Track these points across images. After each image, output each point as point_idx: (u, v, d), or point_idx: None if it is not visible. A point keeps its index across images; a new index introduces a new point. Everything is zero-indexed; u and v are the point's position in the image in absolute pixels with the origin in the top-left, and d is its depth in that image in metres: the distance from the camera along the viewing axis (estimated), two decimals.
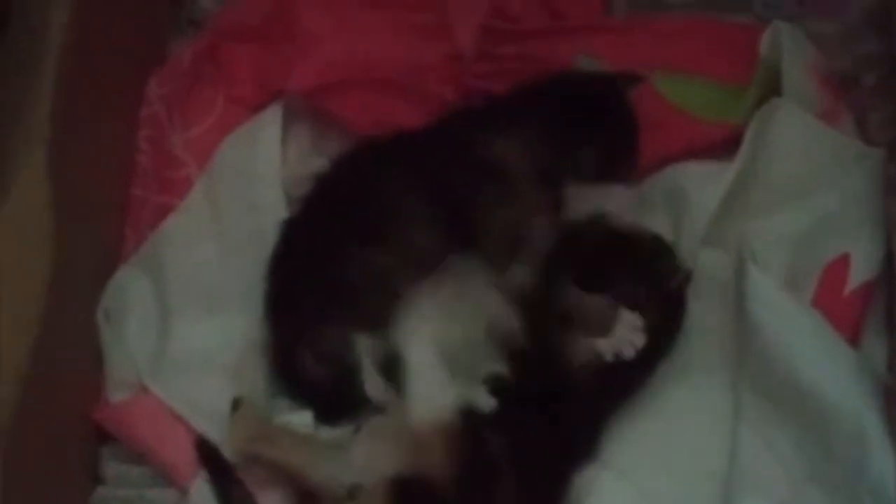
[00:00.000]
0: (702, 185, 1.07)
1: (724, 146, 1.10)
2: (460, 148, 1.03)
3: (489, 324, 0.98)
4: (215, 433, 1.02)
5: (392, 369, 0.97)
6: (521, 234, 1.01)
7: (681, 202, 1.08)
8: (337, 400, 1.01)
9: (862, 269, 1.03)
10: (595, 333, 0.98)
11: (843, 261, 1.04)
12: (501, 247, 1.00)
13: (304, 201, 1.06)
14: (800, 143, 1.09)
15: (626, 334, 0.98)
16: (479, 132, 1.04)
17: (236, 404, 1.01)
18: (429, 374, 0.95)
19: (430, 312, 0.96)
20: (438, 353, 0.95)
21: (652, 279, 1.01)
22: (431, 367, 0.95)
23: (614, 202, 1.02)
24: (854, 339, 1.01)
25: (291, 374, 1.03)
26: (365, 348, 0.98)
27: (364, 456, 0.95)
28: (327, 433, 1.01)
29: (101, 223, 1.12)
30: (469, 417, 0.94)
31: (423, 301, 0.96)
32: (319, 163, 1.09)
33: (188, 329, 1.07)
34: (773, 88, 1.12)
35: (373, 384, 0.97)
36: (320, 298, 1.01)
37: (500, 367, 0.98)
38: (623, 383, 1.00)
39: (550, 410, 0.96)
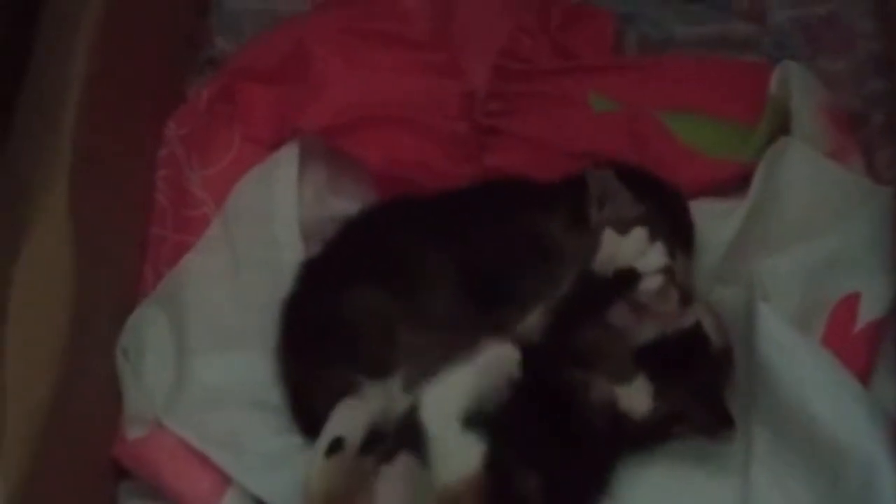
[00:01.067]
0: (713, 223, 1.08)
1: (735, 184, 1.10)
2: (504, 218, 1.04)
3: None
4: (232, 468, 1.02)
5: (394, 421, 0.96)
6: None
7: None
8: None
9: (871, 308, 1.03)
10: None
11: (853, 299, 1.04)
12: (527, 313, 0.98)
13: (325, 244, 1.07)
14: (809, 182, 1.10)
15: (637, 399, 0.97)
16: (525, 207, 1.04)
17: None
18: (452, 441, 0.91)
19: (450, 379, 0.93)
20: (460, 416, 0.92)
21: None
22: (455, 435, 0.91)
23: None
24: (864, 378, 1.01)
25: (303, 414, 1.03)
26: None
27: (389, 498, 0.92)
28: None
29: (121, 261, 1.13)
30: (496, 465, 0.91)
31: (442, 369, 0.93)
32: (336, 202, 1.10)
33: (205, 366, 1.07)
34: (782, 127, 1.13)
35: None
36: (325, 340, 1.01)
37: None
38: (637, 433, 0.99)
39: (572, 451, 0.95)
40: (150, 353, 1.09)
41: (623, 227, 0.97)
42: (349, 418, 0.96)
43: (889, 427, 0.97)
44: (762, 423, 0.99)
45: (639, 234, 0.96)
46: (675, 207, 1.06)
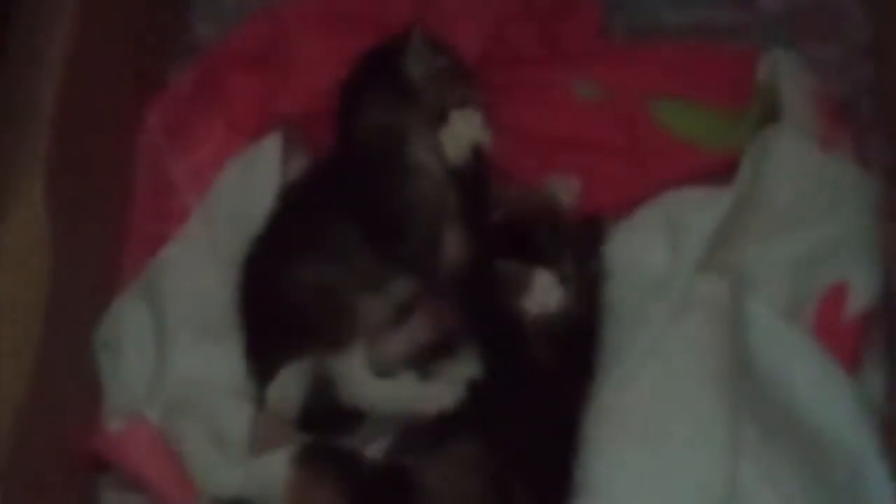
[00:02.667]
0: (700, 210, 1.07)
1: (723, 172, 1.10)
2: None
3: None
4: (208, 464, 1.02)
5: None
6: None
7: (679, 227, 1.07)
8: (318, 419, 1.01)
9: (860, 297, 1.03)
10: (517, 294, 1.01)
11: (841, 288, 1.04)
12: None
13: (265, 221, 1.08)
14: (798, 169, 1.09)
15: (542, 291, 1.00)
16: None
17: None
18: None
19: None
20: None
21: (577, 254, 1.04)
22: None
23: None
24: (852, 368, 1.01)
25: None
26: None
27: None
28: None
29: (99, 251, 1.12)
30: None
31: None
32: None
33: (186, 357, 1.07)
34: (771, 114, 1.12)
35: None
36: (278, 323, 1.03)
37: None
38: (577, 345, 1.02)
39: (524, 398, 0.98)
40: (129, 345, 1.08)
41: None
42: (285, 381, 1.01)
43: (876, 417, 0.98)
44: (749, 415, 0.98)
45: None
46: None
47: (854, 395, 0.98)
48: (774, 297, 1.04)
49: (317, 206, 1.06)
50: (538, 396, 0.99)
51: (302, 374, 1.00)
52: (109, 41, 1.12)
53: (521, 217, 1.06)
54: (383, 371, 0.99)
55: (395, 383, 0.99)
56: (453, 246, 1.04)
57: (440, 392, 0.98)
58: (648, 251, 1.07)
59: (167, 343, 1.08)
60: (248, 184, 1.13)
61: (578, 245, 1.04)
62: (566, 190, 1.10)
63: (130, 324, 1.09)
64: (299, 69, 1.15)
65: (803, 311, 1.04)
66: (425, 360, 1.00)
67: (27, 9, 1.08)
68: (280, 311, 1.02)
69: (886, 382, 1.02)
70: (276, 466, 0.97)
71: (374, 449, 1.00)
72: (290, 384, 1.00)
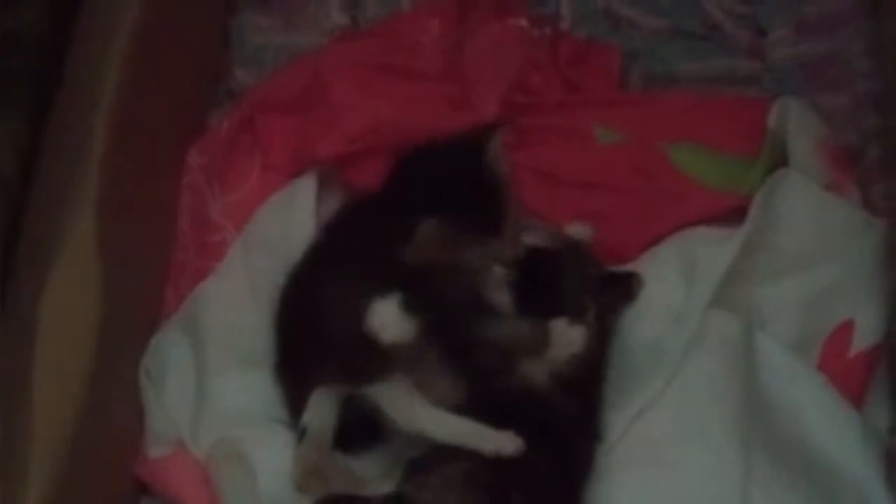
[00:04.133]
0: (711, 249, 1.10)
1: (735, 214, 1.13)
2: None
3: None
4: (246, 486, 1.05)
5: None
6: None
7: (691, 266, 1.11)
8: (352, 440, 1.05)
9: (865, 335, 1.07)
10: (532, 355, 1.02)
11: (847, 326, 1.07)
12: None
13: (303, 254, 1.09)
14: (806, 213, 1.13)
15: (562, 341, 1.02)
16: None
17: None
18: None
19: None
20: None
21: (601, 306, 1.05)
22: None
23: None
24: (858, 403, 1.04)
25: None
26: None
27: None
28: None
29: (145, 285, 1.17)
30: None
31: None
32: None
33: (225, 387, 1.11)
34: (781, 160, 1.16)
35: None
36: (313, 351, 1.03)
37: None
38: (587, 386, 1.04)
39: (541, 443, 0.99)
40: (171, 375, 1.12)
41: None
42: (319, 406, 1.02)
43: (882, 450, 1.01)
44: (760, 447, 1.02)
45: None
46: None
47: (860, 427, 1.01)
48: (784, 333, 1.08)
49: (365, 236, 1.05)
50: (544, 429, 1.01)
51: (335, 397, 1.02)
52: (157, 86, 1.17)
53: (552, 258, 1.08)
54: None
55: (459, 418, 1.00)
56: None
57: (505, 438, 0.98)
58: (663, 288, 1.10)
59: (207, 374, 1.12)
60: (284, 221, 1.17)
61: (605, 296, 1.06)
62: (581, 236, 1.13)
63: (172, 355, 1.13)
64: (334, 113, 1.19)
65: (811, 347, 1.07)
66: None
67: (79, 54, 1.14)
68: (321, 337, 1.03)
69: (890, 416, 1.05)
70: None
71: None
72: (324, 408, 1.02)
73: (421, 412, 0.99)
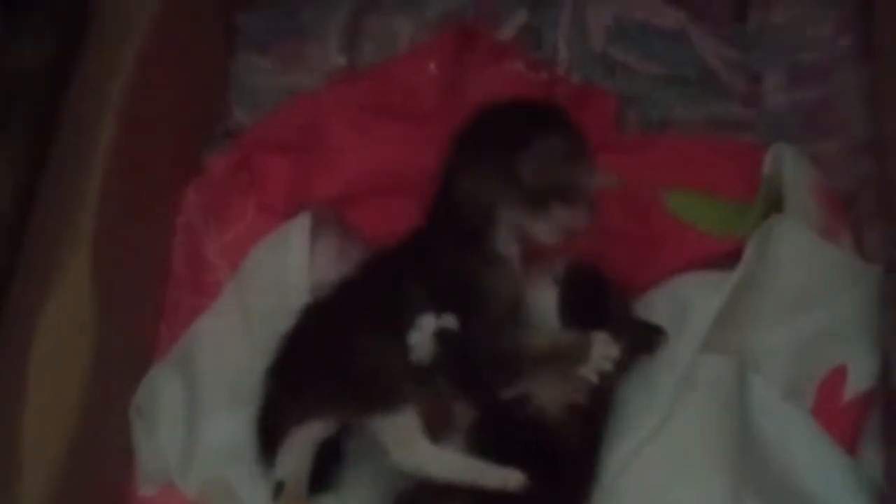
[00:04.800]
0: (704, 293, 1.10)
1: (729, 258, 1.13)
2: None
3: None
4: None
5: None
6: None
7: (686, 308, 1.11)
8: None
9: (858, 381, 1.07)
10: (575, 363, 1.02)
11: (840, 372, 1.07)
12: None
13: (320, 298, 1.10)
14: (800, 258, 1.13)
15: (601, 354, 1.02)
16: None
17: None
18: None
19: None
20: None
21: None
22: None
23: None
24: (852, 449, 1.04)
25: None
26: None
27: None
28: None
29: (139, 324, 1.17)
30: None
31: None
32: (347, 269, 1.13)
33: (216, 426, 1.11)
34: (776, 206, 1.16)
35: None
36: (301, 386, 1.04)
37: None
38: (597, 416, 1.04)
39: (546, 471, 0.99)
40: (163, 413, 1.12)
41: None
42: (290, 455, 1.03)
43: (875, 496, 1.01)
44: (752, 490, 1.01)
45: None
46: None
47: (853, 471, 1.01)
48: (777, 377, 1.08)
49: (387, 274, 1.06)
50: (548, 461, 1.01)
51: (308, 441, 1.02)
52: (154, 126, 1.18)
53: (599, 276, 1.09)
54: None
55: (461, 456, 1.00)
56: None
57: (509, 474, 0.97)
58: None
59: (198, 412, 1.12)
60: (278, 261, 1.18)
61: (630, 337, 1.06)
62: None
63: (164, 393, 1.13)
64: (330, 154, 1.20)
65: (804, 392, 1.07)
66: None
67: (79, 92, 1.15)
68: (323, 369, 1.03)
69: (883, 461, 1.04)
70: None
71: None
72: (296, 456, 1.02)
73: (422, 448, 0.99)
